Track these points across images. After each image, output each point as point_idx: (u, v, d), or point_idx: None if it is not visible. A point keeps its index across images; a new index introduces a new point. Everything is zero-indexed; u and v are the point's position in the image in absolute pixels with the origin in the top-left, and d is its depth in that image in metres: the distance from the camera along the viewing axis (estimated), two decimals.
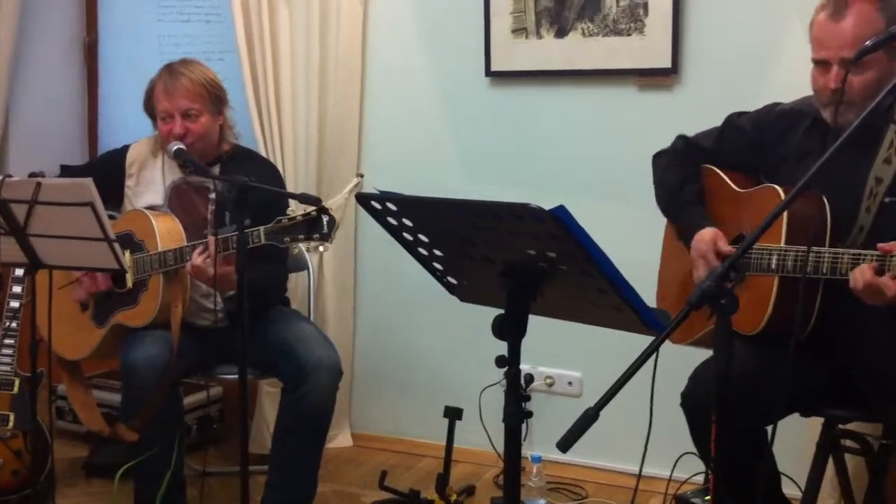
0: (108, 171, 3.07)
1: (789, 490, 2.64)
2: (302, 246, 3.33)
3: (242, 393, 2.55)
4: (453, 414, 3.20)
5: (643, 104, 3.37)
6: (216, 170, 3.01)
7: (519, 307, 1.77)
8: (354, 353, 3.89)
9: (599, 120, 3.45)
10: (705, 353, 2.46)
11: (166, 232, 2.90)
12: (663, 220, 2.72)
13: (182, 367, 2.88)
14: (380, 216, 1.85)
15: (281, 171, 3.50)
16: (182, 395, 3.12)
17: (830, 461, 2.53)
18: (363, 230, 3.82)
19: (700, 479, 3.00)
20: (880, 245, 2.11)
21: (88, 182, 2.32)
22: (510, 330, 1.77)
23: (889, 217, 2.25)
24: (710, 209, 2.57)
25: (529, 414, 1.80)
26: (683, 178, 2.63)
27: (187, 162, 2.88)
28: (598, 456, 3.44)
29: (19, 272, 3.16)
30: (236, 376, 2.59)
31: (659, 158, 2.73)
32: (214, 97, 3.00)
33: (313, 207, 2.60)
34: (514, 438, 1.80)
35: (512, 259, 1.73)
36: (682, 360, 2.39)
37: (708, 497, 2.83)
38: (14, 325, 3.13)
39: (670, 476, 2.95)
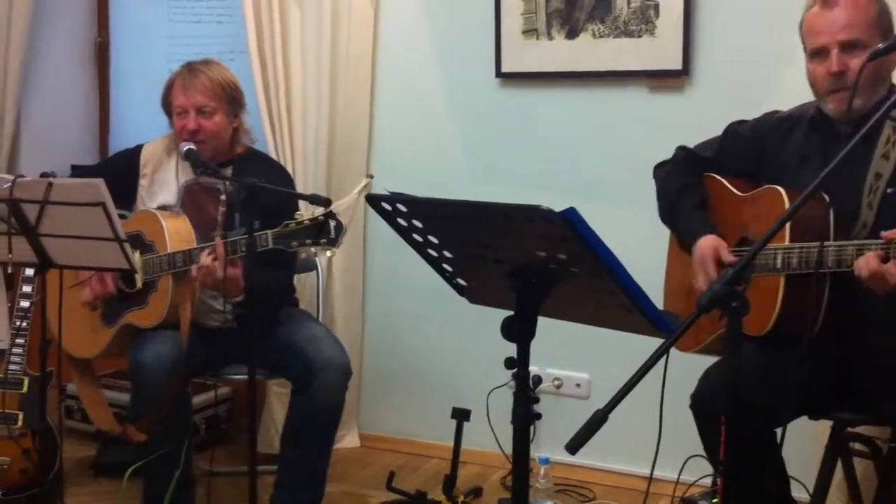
0: (122, 171, 3.08)
1: (797, 493, 2.63)
2: (309, 250, 3.36)
3: (251, 393, 2.55)
4: (461, 415, 3.20)
5: (653, 106, 3.37)
6: (228, 171, 3.02)
7: (528, 309, 1.77)
8: (363, 353, 3.89)
9: (610, 122, 3.44)
10: (714, 356, 2.46)
11: (175, 232, 2.91)
12: None
13: (191, 367, 2.88)
14: (390, 217, 1.85)
15: (291, 171, 3.52)
16: (191, 394, 3.13)
17: (839, 464, 2.52)
18: (372, 231, 3.82)
19: (707, 481, 3.00)
20: (884, 233, 2.11)
21: (100, 182, 2.33)
22: (519, 332, 1.77)
23: (891, 208, 2.26)
24: (712, 214, 2.57)
25: (538, 416, 1.80)
26: (684, 186, 2.63)
27: (198, 163, 2.89)
28: (605, 458, 3.44)
29: (30, 272, 3.17)
30: (245, 376, 2.60)
31: (659, 170, 2.74)
32: (231, 98, 3.01)
33: (321, 212, 2.60)
34: (522, 440, 1.80)
35: (521, 261, 1.74)
36: (690, 363, 2.39)
37: (716, 500, 2.83)
38: (24, 324, 3.15)
39: (678, 478, 2.95)
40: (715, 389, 2.31)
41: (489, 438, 3.44)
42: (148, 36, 4.33)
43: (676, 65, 3.27)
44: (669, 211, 2.66)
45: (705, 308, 1.57)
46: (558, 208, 1.53)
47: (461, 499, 3.17)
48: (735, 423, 1.65)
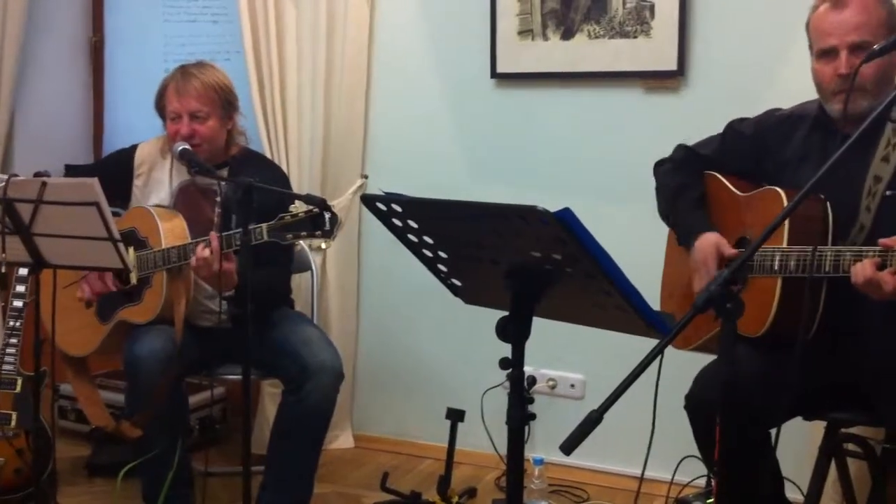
0: (117, 170, 3.08)
1: (792, 494, 2.64)
2: (304, 243, 3.35)
3: (245, 393, 2.55)
4: (455, 416, 3.20)
5: (649, 107, 3.37)
6: (224, 173, 3.01)
7: (523, 309, 1.77)
8: (357, 354, 3.89)
9: (605, 122, 3.45)
10: (709, 357, 2.46)
11: (170, 229, 2.90)
12: None
13: (185, 362, 2.88)
14: (385, 218, 1.85)
15: (285, 171, 3.50)
16: (187, 394, 3.12)
17: (833, 465, 2.52)
18: (366, 231, 3.82)
19: (701, 482, 3.00)
20: (882, 241, 2.11)
21: (94, 182, 2.33)
22: (514, 332, 1.77)
23: (890, 211, 2.26)
24: (711, 214, 2.57)
25: (533, 416, 1.81)
26: (683, 184, 2.63)
27: (192, 162, 2.88)
28: (599, 458, 3.44)
29: (23, 271, 3.16)
30: (239, 376, 2.59)
31: (659, 167, 2.74)
32: (225, 101, 3.01)
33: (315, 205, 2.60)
34: (517, 440, 1.80)
35: (516, 261, 1.73)
36: (684, 363, 2.39)
37: (710, 500, 2.84)
38: (17, 324, 3.14)
39: (672, 479, 2.95)
40: (710, 390, 2.31)
41: (484, 439, 3.44)
42: (143, 35, 4.32)
43: (671, 65, 3.27)
44: (668, 209, 2.66)
45: (700, 308, 1.57)
46: (553, 209, 1.53)
47: (455, 499, 3.17)
48: (729, 424, 1.65)
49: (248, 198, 2.50)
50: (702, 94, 3.28)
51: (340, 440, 3.84)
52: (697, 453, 2.48)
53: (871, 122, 1.78)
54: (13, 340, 3.14)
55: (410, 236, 1.87)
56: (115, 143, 4.02)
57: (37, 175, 2.75)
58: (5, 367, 3.13)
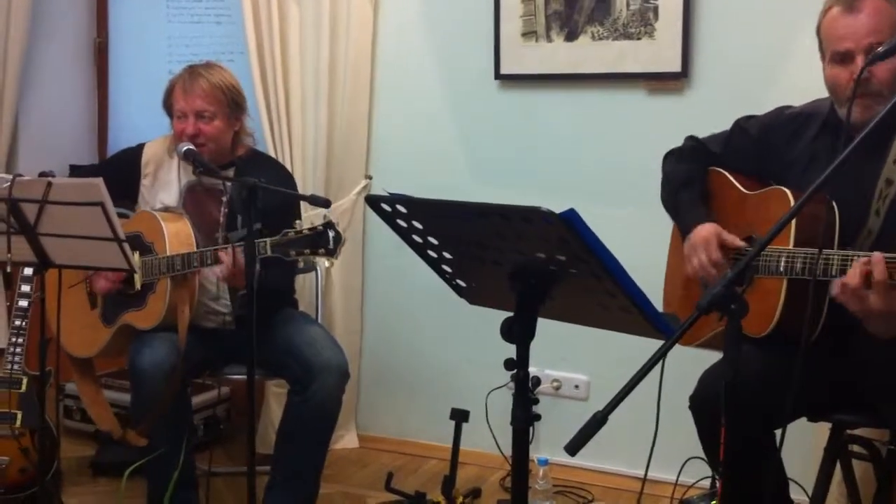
0: (123, 169, 3.09)
1: (796, 495, 2.63)
2: (308, 259, 3.36)
3: (250, 393, 2.55)
4: (460, 416, 3.20)
5: (653, 108, 3.37)
6: (230, 173, 3.01)
7: (528, 310, 1.77)
8: (361, 354, 3.89)
9: (608, 124, 3.45)
10: (713, 356, 2.45)
11: (175, 234, 2.91)
12: (671, 224, 2.72)
13: (189, 365, 2.88)
14: (389, 218, 1.85)
15: (290, 172, 3.51)
16: (190, 395, 3.13)
17: (838, 467, 2.52)
18: (371, 232, 3.82)
19: (706, 483, 3.00)
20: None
21: (99, 182, 2.33)
22: (519, 333, 1.77)
23: None
24: (716, 211, 2.56)
25: (537, 417, 1.80)
26: (689, 176, 2.62)
27: (197, 162, 2.89)
28: (604, 459, 3.44)
29: (28, 271, 3.17)
30: (244, 376, 2.60)
31: (669, 156, 2.73)
32: (232, 102, 3.01)
33: (320, 222, 2.60)
34: (521, 441, 1.80)
35: (521, 262, 1.73)
36: (689, 364, 2.39)
37: (715, 501, 2.83)
38: (23, 323, 3.15)
39: (676, 480, 2.96)
40: (714, 391, 2.31)
41: (488, 439, 3.44)
42: (147, 36, 4.33)
43: (675, 67, 3.28)
44: (671, 200, 2.65)
45: (704, 310, 1.57)
46: (557, 210, 1.53)
47: (460, 500, 3.17)
48: (734, 425, 1.65)
49: (253, 198, 2.51)
50: (705, 95, 3.28)
51: (345, 440, 3.85)
52: (702, 454, 2.48)
53: (882, 125, 1.76)
54: (18, 340, 3.15)
55: (415, 237, 1.87)
56: (119, 144, 4.03)
57: (42, 175, 2.76)
58: (10, 366, 3.14)
